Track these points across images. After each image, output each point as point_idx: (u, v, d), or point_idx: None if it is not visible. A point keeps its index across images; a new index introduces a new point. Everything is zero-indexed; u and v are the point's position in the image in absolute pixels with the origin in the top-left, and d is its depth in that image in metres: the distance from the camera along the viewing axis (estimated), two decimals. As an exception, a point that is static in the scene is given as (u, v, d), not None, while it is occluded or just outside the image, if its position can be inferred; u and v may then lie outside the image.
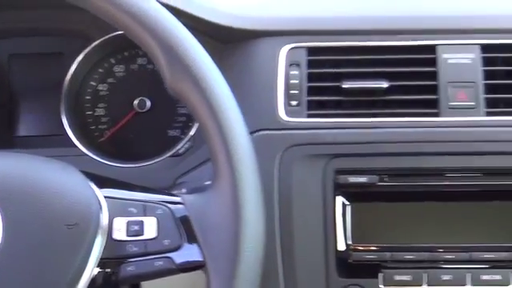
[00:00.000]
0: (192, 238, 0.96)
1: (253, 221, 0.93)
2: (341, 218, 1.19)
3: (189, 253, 0.96)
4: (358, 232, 1.25)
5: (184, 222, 0.97)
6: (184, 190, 1.12)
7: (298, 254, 1.24)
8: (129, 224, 0.96)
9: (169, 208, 0.97)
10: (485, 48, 1.22)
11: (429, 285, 1.24)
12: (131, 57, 1.37)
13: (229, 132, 0.94)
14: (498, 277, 1.24)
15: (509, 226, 1.25)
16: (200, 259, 0.96)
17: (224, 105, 0.94)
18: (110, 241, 0.96)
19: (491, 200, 1.25)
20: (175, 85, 0.96)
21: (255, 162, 1.02)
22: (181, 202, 0.98)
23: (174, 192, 1.01)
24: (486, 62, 1.21)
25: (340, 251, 1.24)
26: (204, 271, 0.96)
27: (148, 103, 1.36)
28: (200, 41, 1.07)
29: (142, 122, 1.37)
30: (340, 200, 1.24)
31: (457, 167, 1.24)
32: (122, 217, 0.96)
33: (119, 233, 0.96)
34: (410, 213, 1.25)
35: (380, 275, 1.25)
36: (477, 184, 1.24)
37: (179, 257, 0.96)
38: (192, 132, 1.30)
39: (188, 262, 0.97)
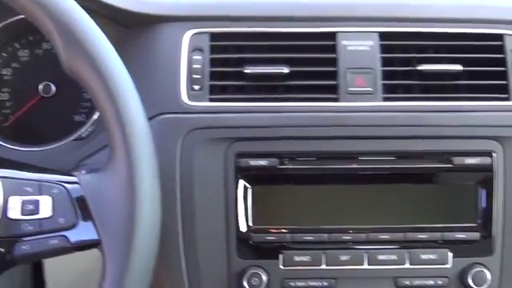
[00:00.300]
0: (87, 217, 0.96)
1: (147, 201, 0.93)
2: (242, 201, 1.20)
3: (84, 231, 0.96)
4: (259, 214, 1.21)
5: (80, 202, 0.97)
6: (83, 172, 1.11)
7: (199, 234, 1.25)
8: (24, 203, 0.95)
9: (65, 187, 0.97)
10: (383, 36, 1.24)
11: (327, 265, 1.27)
12: (36, 41, 1.34)
13: (125, 114, 0.94)
14: (393, 257, 1.27)
15: (405, 209, 1.29)
16: (95, 238, 0.96)
17: (121, 86, 0.94)
18: (5, 220, 0.96)
19: (390, 183, 1.27)
20: (71, 65, 0.96)
21: (151, 143, 1.02)
22: (77, 181, 0.98)
23: (73, 173, 1.00)
24: (384, 49, 1.23)
25: (241, 233, 1.21)
26: (99, 250, 0.95)
27: (53, 88, 1.34)
28: (103, 24, 1.07)
29: (48, 106, 1.35)
30: (242, 183, 1.21)
31: (354, 151, 1.26)
32: (17, 196, 0.95)
33: (14, 212, 0.95)
34: (309, 195, 1.22)
35: (280, 256, 1.27)
36: (377, 167, 1.26)
37: (74, 235, 0.96)
38: (95, 116, 1.29)
39: (83, 241, 0.97)
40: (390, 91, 1.21)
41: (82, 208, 0.96)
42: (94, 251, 0.96)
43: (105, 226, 0.95)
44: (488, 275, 1.21)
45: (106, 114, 0.94)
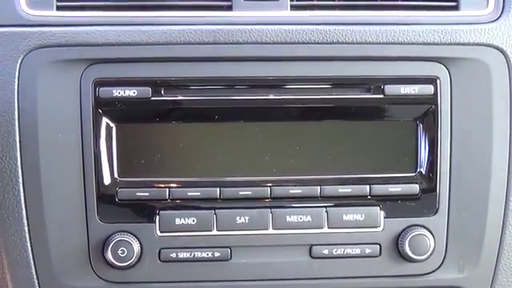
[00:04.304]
0: None
1: None
2: (104, 145, 1.01)
3: None
4: (128, 162, 1.02)
5: None
6: None
7: (46, 191, 1.01)
8: None
9: None
10: None
11: (219, 229, 1.03)
12: None
13: None
14: (307, 218, 1.04)
15: (322, 154, 1.05)
16: None
17: None
18: None
19: (303, 120, 1.04)
20: None
21: None
22: None
23: None
24: None
25: (103, 187, 1.02)
26: None
27: None
28: None
29: None
30: (104, 121, 1.01)
31: (252, 77, 1.02)
32: None
33: None
34: (195, 137, 1.03)
35: (156, 218, 1.02)
36: (284, 99, 1.03)
37: None
38: None
39: None
40: None
41: None
42: None
43: None
44: (430, 240, 1.02)
45: None
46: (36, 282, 1.03)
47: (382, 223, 1.04)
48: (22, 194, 1.00)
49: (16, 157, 1.00)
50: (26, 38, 1.00)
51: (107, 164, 1.02)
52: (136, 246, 1.01)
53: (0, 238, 1.02)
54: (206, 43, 1.01)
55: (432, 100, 1.03)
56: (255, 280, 1.04)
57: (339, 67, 1.02)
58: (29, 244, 1.01)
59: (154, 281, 1.03)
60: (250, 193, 1.02)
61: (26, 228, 1.01)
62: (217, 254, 1.03)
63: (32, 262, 1.02)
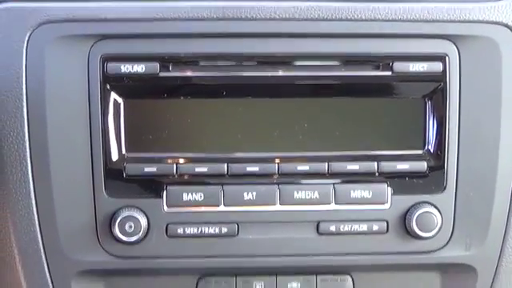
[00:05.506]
0: None
1: None
2: (112, 120, 1.00)
3: None
4: (135, 138, 1.01)
5: None
6: None
7: (54, 167, 1.00)
8: None
9: None
10: None
11: (226, 205, 1.01)
12: None
13: None
14: (314, 194, 1.02)
15: (330, 131, 1.03)
16: None
17: None
18: None
19: (311, 96, 1.02)
20: None
21: None
22: None
23: None
24: None
25: (111, 163, 1.00)
26: None
27: None
28: None
29: None
30: (112, 96, 0.99)
31: (263, 53, 1.01)
32: None
33: None
34: (203, 113, 1.01)
35: (164, 194, 1.01)
36: (295, 75, 1.01)
37: None
38: None
39: None
40: None
41: None
42: None
43: None
44: (437, 218, 1.01)
45: None
46: (43, 256, 1.02)
47: (389, 200, 1.02)
48: (29, 170, 0.99)
49: (24, 132, 0.99)
50: (34, 13, 0.99)
51: (115, 139, 1.00)
52: (143, 221, 1.00)
53: (8, 213, 1.01)
54: (215, 19, 0.99)
55: (441, 77, 1.01)
56: (262, 256, 1.03)
57: (348, 44, 1.00)
58: (36, 219, 1.00)
59: (161, 255, 1.02)
60: (257, 169, 1.01)
61: (34, 203, 1.00)
62: (224, 230, 1.02)
63: (39, 237, 1.01)
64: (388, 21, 1.00)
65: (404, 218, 1.02)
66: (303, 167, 1.01)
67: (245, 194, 1.01)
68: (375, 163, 1.01)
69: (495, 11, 1.01)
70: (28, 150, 0.99)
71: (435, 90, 1.02)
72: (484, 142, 1.03)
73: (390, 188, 1.02)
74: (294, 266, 1.05)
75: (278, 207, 1.02)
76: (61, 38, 0.99)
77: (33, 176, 0.99)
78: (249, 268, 1.05)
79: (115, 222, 0.99)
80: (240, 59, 1.01)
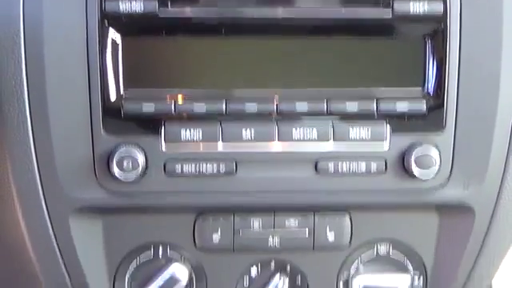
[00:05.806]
0: None
1: None
2: (110, 58, 0.98)
3: None
4: (133, 76, 1.00)
5: None
6: None
7: (51, 104, 0.99)
8: None
9: None
10: None
11: (225, 141, 1.00)
12: None
13: None
14: (313, 132, 1.01)
15: (329, 68, 1.02)
16: None
17: None
18: None
19: (311, 34, 1.01)
20: None
21: None
22: None
23: None
24: None
25: (109, 100, 0.99)
26: None
27: None
28: None
29: None
30: (110, 34, 0.98)
31: None
32: None
33: None
34: (201, 50, 1.00)
35: (162, 130, 1.00)
36: (295, 17, 1.00)
37: None
38: None
39: None
40: None
41: None
42: None
43: None
44: (436, 157, 1.00)
45: None
46: (41, 193, 1.01)
47: (388, 138, 1.01)
48: (27, 106, 0.98)
49: (21, 69, 0.98)
50: None
51: (113, 77, 0.99)
52: (141, 159, 0.99)
53: (6, 152, 1.01)
54: None
55: (441, 18, 1.00)
56: (260, 192, 1.02)
57: None
58: (34, 155, 1.00)
59: (159, 192, 1.01)
60: (255, 106, 0.99)
61: (32, 142, 0.99)
62: (222, 168, 1.01)
63: (37, 174, 1.01)
64: None
65: (403, 158, 1.01)
66: (302, 105, 1.00)
67: (243, 130, 1.00)
68: (374, 101, 1.00)
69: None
70: (26, 88, 0.98)
71: (436, 30, 1.00)
72: (484, 82, 1.01)
73: (388, 126, 1.01)
74: (291, 203, 1.05)
75: (276, 144, 1.00)
76: None
77: (30, 114, 0.98)
78: (246, 206, 1.05)
79: (113, 158, 0.98)
80: None
